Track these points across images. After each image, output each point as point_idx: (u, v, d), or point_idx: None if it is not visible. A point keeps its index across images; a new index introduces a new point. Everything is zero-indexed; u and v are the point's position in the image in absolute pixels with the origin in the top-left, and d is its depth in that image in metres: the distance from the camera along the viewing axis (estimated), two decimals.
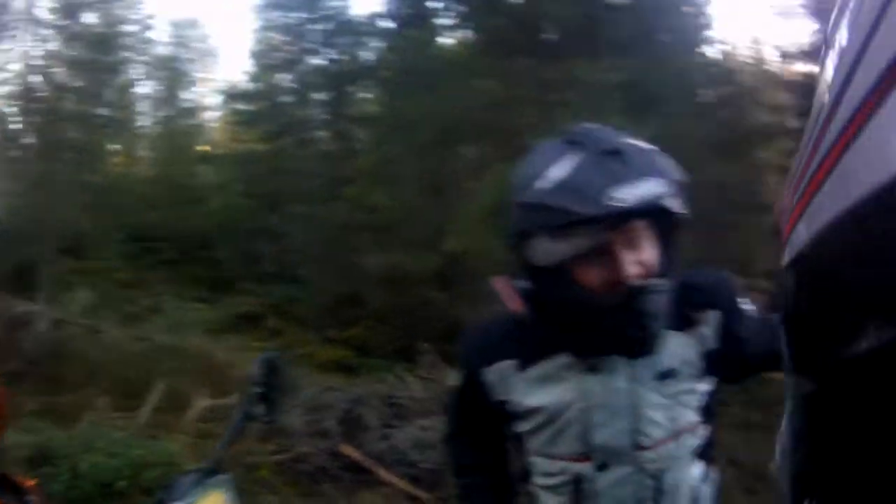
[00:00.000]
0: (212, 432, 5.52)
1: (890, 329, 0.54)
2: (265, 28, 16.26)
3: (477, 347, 1.33)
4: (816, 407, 0.77)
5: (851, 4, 0.80)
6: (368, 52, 14.35)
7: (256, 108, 15.65)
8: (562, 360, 1.21)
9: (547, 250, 1.09)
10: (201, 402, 5.90)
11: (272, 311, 12.15)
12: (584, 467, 1.22)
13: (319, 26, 15.00)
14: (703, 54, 11.05)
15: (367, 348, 10.41)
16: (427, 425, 5.37)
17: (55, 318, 6.82)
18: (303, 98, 15.00)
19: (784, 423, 0.92)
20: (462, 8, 9.01)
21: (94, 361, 6.53)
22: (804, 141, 0.98)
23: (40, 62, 13.93)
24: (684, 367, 1.22)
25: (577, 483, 1.23)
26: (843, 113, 0.70)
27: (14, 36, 13.89)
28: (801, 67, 14.35)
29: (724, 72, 12.56)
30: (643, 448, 1.20)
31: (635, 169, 1.03)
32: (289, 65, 15.32)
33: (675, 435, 1.22)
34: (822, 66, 0.92)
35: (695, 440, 1.26)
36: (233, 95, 17.37)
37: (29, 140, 13.73)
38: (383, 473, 5.12)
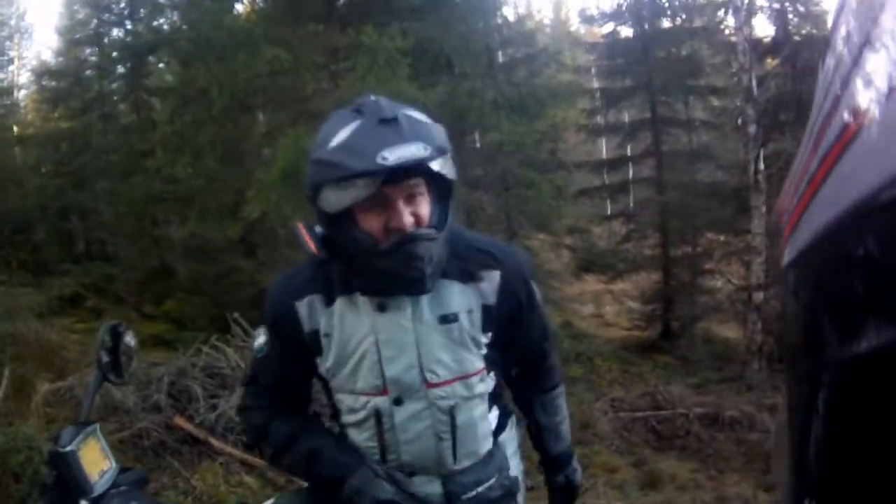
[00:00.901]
0: (59, 415, 5.57)
1: (890, 329, 0.55)
2: (71, 2, 15.89)
3: (287, 286, 1.47)
4: (816, 407, 0.79)
5: (851, 5, 0.82)
6: (166, 23, 14.03)
7: (62, 85, 15.51)
8: (357, 298, 1.39)
9: (333, 199, 1.27)
10: (44, 387, 5.90)
11: (91, 291, 12.19)
12: (382, 401, 1.40)
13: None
14: (499, 16, 11.36)
15: (183, 321, 10.64)
16: None
17: None
18: (105, 72, 14.77)
19: (784, 424, 0.97)
20: None
21: None
22: (804, 141, 1.01)
23: None
24: (466, 315, 1.41)
25: (378, 417, 1.41)
26: (843, 112, 0.71)
27: None
28: (603, 29, 15.14)
29: (523, 33, 12.93)
30: (432, 385, 1.39)
31: (404, 135, 1.22)
32: (93, 39, 15.04)
33: (463, 377, 1.42)
34: (822, 65, 0.95)
35: (483, 386, 1.46)
36: (40, 73, 17.05)
37: None
38: (216, 443, 5.25)
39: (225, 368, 6.04)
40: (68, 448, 1.48)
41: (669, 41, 14.10)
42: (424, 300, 1.38)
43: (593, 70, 16.48)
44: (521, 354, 1.56)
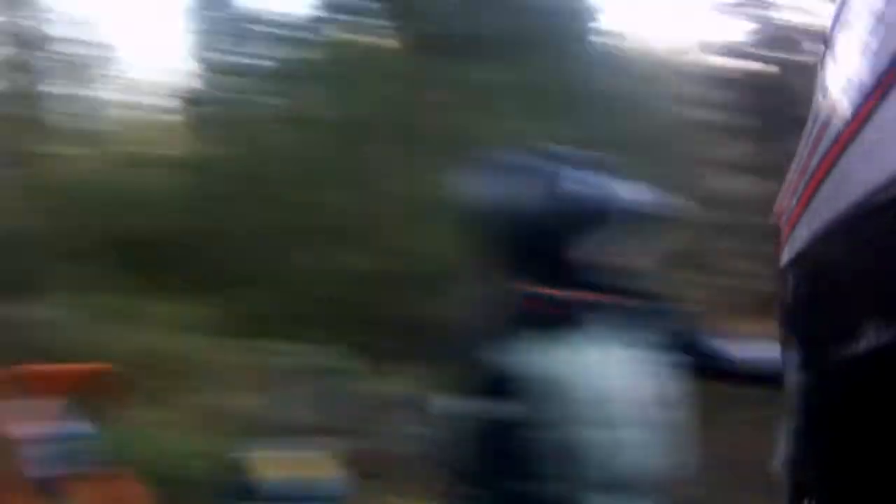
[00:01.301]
0: (235, 429, 5.58)
1: (890, 329, 0.55)
2: (204, 30, 15.99)
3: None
4: (816, 407, 0.78)
5: (850, 4, 0.82)
6: (300, 52, 14.30)
7: (204, 111, 15.61)
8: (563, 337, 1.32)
9: (592, 244, 1.25)
10: (221, 402, 6.26)
11: (263, 316, 11.73)
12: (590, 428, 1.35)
13: (257, 27, 14.94)
14: (621, 49, 11.50)
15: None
16: None
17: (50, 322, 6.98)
18: (246, 99, 14.97)
19: (783, 424, 0.95)
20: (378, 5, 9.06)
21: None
22: (804, 141, 1.01)
23: None
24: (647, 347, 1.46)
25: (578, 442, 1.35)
26: (843, 112, 0.71)
27: None
28: (728, 62, 14.67)
29: (640, 68, 12.90)
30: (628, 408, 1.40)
31: (624, 179, 1.25)
32: (231, 67, 15.23)
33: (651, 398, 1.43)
34: (822, 65, 0.94)
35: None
36: (182, 99, 17.02)
37: None
38: None
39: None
40: (249, 456, 1.60)
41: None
42: (613, 332, 1.45)
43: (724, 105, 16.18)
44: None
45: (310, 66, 9.98)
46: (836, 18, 0.88)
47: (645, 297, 1.33)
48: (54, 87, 16.54)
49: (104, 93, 17.45)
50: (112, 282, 11.33)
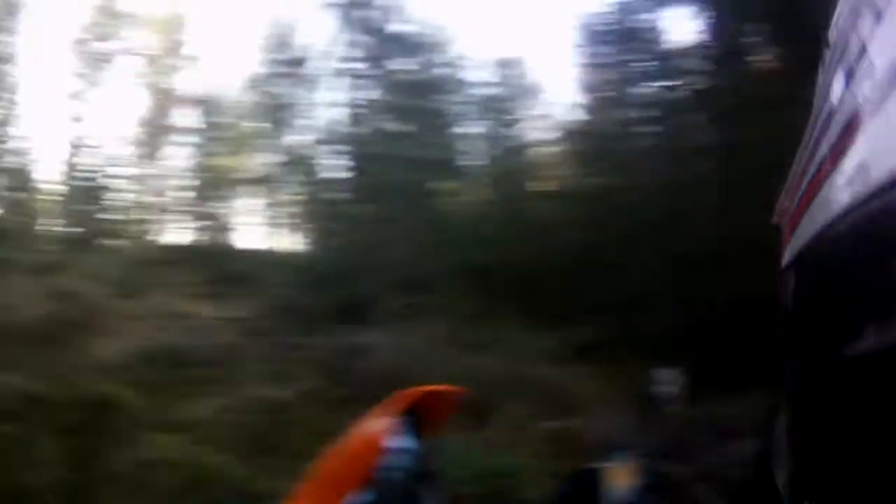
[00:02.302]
0: (560, 450, 5.84)
1: (890, 329, 0.54)
2: (589, 64, 16.06)
3: None
4: (815, 407, 0.78)
5: (851, 7, 0.81)
6: (692, 83, 14.06)
7: (589, 145, 15.68)
8: None
9: None
10: (545, 424, 6.35)
11: (612, 341, 11.65)
12: None
13: (641, 59, 14.79)
14: None
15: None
16: None
17: (395, 348, 7.30)
18: (633, 132, 14.79)
19: (783, 424, 0.97)
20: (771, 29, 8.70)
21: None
22: (804, 142, 1.01)
23: (360, 109, 15.17)
24: None
25: None
26: (843, 113, 0.70)
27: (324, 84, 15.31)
28: None
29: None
30: None
31: None
32: (615, 99, 15.22)
33: None
34: (823, 66, 0.94)
35: None
36: (564, 132, 17.34)
37: (351, 182, 14.93)
38: None
39: None
40: (594, 466, 1.70)
41: None
42: None
43: None
44: None
45: (695, 95, 9.57)
46: (837, 21, 0.88)
47: None
48: (460, 127, 17.95)
49: (505, 130, 18.49)
50: (477, 309, 11.80)
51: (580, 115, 17.13)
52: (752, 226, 9.44)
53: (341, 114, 16.36)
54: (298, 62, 16.39)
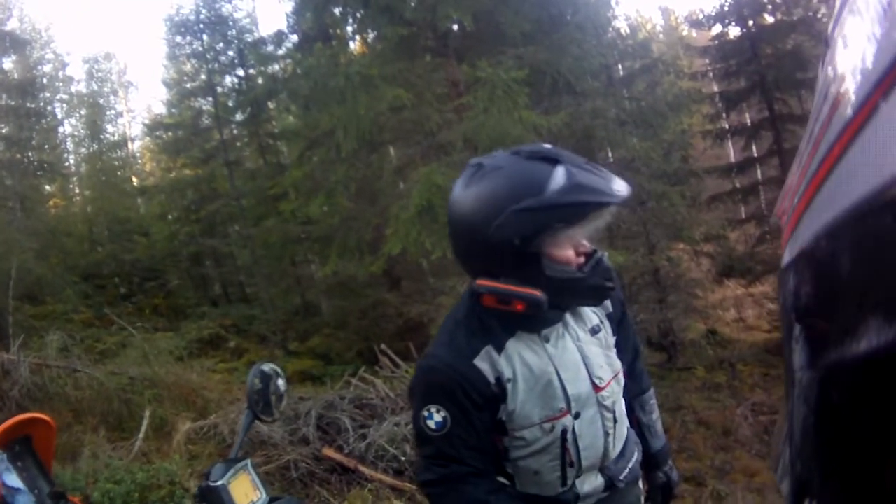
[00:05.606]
0: (201, 452, 5.72)
1: (890, 329, 0.54)
2: (176, 55, 16.20)
3: (455, 353, 1.44)
4: (817, 407, 0.82)
5: (851, 7, 0.81)
6: (279, 69, 14.41)
7: (180, 135, 15.73)
8: (522, 336, 1.45)
9: (561, 238, 1.32)
10: (185, 425, 6.07)
11: (232, 332, 12.22)
12: (566, 419, 1.46)
13: (228, 48, 15.08)
14: (611, 30, 11.18)
15: (329, 356, 10.64)
16: (399, 421, 5.67)
17: (32, 364, 6.65)
18: (223, 120, 14.92)
19: (784, 423, 1.00)
20: (361, 13, 9.03)
21: (77, 400, 6.58)
22: (804, 142, 1.06)
23: None
24: (602, 323, 1.57)
25: (563, 435, 1.46)
26: (843, 113, 0.72)
27: None
28: (711, 31, 14.67)
29: (637, 45, 12.77)
30: (599, 389, 1.50)
31: (609, 173, 1.34)
32: (205, 89, 15.24)
33: (615, 374, 1.55)
34: (823, 66, 0.97)
35: (623, 379, 1.59)
36: (154, 125, 17.34)
37: None
38: (367, 470, 5.33)
39: (374, 399, 6.21)
40: (219, 482, 1.55)
41: (774, 37, 13.51)
42: (571, 321, 1.50)
43: (710, 74, 16.30)
44: (624, 354, 1.66)
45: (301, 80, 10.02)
46: (836, 19, 0.89)
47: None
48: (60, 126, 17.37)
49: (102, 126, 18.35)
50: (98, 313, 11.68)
51: (172, 107, 16.99)
52: (346, 203, 9.72)
53: None
54: None
